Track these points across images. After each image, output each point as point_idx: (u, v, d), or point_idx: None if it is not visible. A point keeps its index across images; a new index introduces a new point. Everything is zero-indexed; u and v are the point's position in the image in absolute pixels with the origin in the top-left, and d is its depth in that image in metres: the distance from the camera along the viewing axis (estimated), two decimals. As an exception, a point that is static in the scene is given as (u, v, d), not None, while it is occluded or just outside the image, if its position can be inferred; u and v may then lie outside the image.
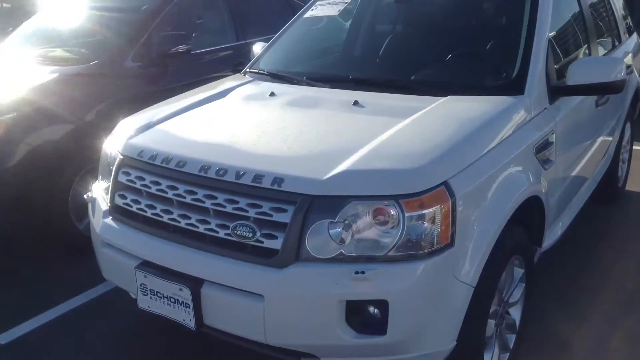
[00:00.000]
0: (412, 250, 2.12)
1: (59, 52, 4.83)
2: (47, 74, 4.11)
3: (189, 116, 2.93)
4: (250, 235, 2.20)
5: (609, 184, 4.73)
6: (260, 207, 2.20)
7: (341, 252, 2.12)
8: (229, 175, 2.30)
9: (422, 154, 2.25)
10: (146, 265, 2.44)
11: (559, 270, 3.67)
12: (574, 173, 3.42)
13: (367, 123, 2.63)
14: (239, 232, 2.22)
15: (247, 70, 3.70)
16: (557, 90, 3.00)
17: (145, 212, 2.51)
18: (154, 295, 2.42)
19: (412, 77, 3.11)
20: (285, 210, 2.16)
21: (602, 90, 3.03)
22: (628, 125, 4.98)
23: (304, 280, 2.12)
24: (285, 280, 2.12)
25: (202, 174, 2.36)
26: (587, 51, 3.72)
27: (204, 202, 2.33)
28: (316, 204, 2.13)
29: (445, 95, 2.81)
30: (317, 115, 2.77)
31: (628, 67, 4.51)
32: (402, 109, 2.70)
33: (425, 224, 2.12)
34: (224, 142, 2.56)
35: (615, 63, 3.03)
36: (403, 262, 2.11)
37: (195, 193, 2.36)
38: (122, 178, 2.64)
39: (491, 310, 2.51)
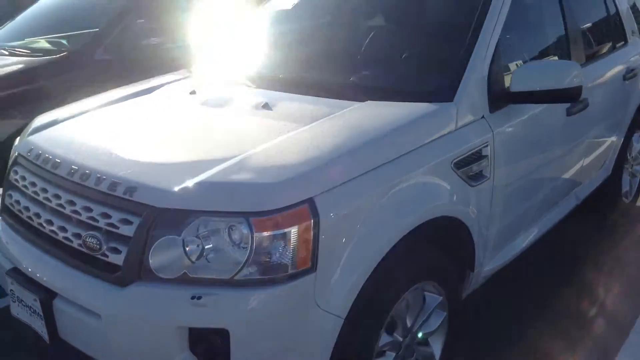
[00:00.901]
0: (262, 274, 1.88)
1: (41, 43, 4.81)
2: (9, 66, 4.07)
3: (96, 114, 2.77)
4: (98, 247, 2.03)
5: (608, 201, 4.30)
6: (110, 217, 2.03)
7: (185, 272, 1.91)
8: (89, 181, 2.13)
9: (289, 167, 2.00)
10: (14, 271, 2.31)
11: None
12: (534, 190, 3.07)
13: (261, 128, 2.39)
14: (88, 243, 2.06)
15: (197, 64, 3.53)
16: (501, 98, 2.67)
17: (22, 214, 2.39)
18: (20, 303, 2.29)
19: (337, 80, 2.83)
20: (131, 223, 1.97)
21: (553, 97, 2.65)
22: (638, 135, 4.51)
23: (141, 302, 1.92)
24: (122, 301, 1.93)
25: (68, 177, 2.21)
26: (566, 54, 3.34)
27: (64, 208, 2.18)
28: (161, 218, 1.93)
29: (365, 100, 2.54)
30: (216, 118, 2.56)
31: (632, 70, 4.06)
32: (309, 114, 2.45)
33: (279, 246, 1.88)
34: (102, 145, 2.37)
35: (568, 68, 2.66)
36: (249, 288, 1.88)
37: (60, 197, 2.21)
38: (12, 176, 2.53)
39: (388, 340, 2.26)
